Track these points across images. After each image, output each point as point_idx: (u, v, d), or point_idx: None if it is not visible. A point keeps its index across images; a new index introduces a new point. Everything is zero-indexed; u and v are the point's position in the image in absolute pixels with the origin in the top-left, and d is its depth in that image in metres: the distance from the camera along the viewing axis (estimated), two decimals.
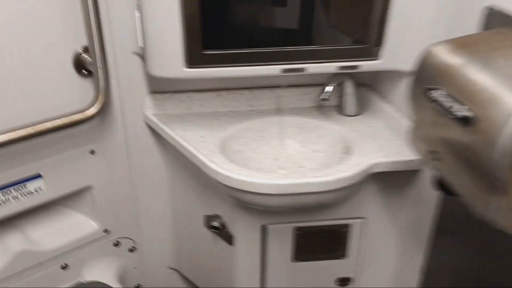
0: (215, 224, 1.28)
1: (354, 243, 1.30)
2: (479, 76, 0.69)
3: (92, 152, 1.27)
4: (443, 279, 1.14)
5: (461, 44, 0.78)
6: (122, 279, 1.49)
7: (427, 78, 0.78)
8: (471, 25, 0.89)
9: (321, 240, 1.28)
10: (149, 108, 1.30)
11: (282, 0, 1.12)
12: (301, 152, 1.30)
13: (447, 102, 0.73)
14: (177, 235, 1.50)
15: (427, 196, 1.12)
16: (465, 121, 0.69)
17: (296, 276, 1.34)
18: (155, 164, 1.39)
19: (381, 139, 1.20)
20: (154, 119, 1.28)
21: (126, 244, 1.47)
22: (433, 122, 0.78)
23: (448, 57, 0.75)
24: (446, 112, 0.73)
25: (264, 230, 1.25)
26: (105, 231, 1.40)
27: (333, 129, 1.28)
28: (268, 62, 1.12)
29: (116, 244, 1.45)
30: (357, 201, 1.23)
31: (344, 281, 1.36)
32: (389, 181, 1.20)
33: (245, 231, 1.25)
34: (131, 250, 1.50)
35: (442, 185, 0.84)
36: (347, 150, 1.21)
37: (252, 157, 1.27)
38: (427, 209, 1.14)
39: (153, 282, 1.61)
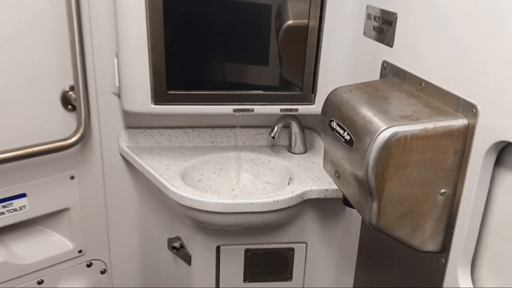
0: (176, 245, 1.45)
1: (298, 266, 1.46)
2: (360, 108, 0.91)
3: (72, 177, 1.47)
4: None
5: (357, 87, 1.00)
6: None
7: (329, 112, 0.99)
8: (374, 74, 1.12)
9: (269, 262, 1.45)
10: (124, 141, 1.51)
11: (235, 58, 1.37)
12: (254, 183, 1.50)
13: (339, 130, 0.94)
14: (144, 258, 1.66)
15: (354, 220, 1.31)
16: (349, 143, 0.90)
17: None
18: (128, 191, 1.58)
19: (318, 173, 1.40)
20: (127, 150, 1.49)
21: (98, 266, 1.63)
22: (333, 147, 0.99)
23: (344, 95, 0.97)
24: (339, 137, 0.94)
25: (218, 251, 1.42)
26: (80, 251, 1.56)
27: (281, 164, 1.49)
28: (222, 102, 1.34)
29: (89, 265, 1.61)
30: (299, 227, 1.41)
31: None
32: (325, 208, 1.38)
33: (201, 251, 1.42)
34: (102, 272, 1.65)
35: (346, 200, 1.03)
36: (289, 181, 1.40)
37: (210, 186, 1.47)
38: (354, 233, 1.31)
39: None
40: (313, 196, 1.31)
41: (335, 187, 1.30)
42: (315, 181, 1.35)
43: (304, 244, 1.44)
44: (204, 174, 1.47)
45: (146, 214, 1.58)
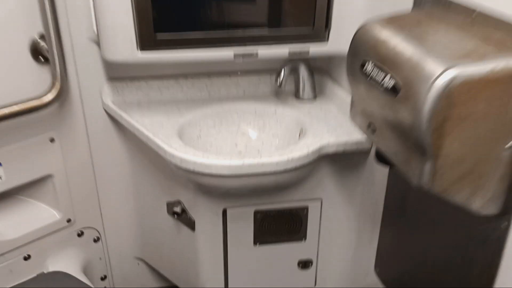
0: (177, 210, 1.30)
1: (313, 225, 1.33)
2: (404, 47, 0.73)
3: (52, 140, 1.28)
4: (393, 258, 1.18)
5: (391, 20, 0.82)
6: (87, 269, 1.49)
7: (360, 53, 0.81)
8: (404, 3, 0.93)
9: (281, 222, 1.31)
10: (108, 95, 1.32)
11: None
12: (259, 137, 1.33)
13: (377, 75, 0.77)
14: (141, 224, 1.51)
15: (378, 175, 1.16)
16: (392, 91, 0.73)
17: (259, 260, 1.36)
18: (117, 152, 1.40)
19: (333, 122, 1.24)
20: (113, 106, 1.30)
21: (90, 234, 1.48)
22: (367, 95, 0.82)
23: (378, 32, 0.79)
24: (376, 84, 0.77)
25: (225, 214, 1.27)
26: (68, 221, 1.41)
27: (289, 113, 1.32)
28: (220, 45, 1.14)
29: (80, 234, 1.46)
30: (314, 183, 1.26)
31: (306, 264, 1.39)
32: (343, 162, 1.23)
33: (206, 215, 1.27)
34: (96, 240, 1.50)
35: (381, 157, 0.88)
36: (301, 133, 1.24)
37: (211, 143, 1.30)
38: (378, 189, 1.17)
39: (120, 272, 1.62)
40: (331, 150, 1.15)
41: (355, 138, 1.15)
42: (332, 133, 1.18)
43: (319, 201, 1.30)
44: (202, 130, 1.30)
45: (140, 176, 1.42)
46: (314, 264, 1.40)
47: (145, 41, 1.11)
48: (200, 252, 1.33)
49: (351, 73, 0.86)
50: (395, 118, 0.75)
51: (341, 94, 1.31)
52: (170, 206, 1.34)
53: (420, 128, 0.69)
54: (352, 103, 0.91)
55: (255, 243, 1.33)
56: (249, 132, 1.34)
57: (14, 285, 1.29)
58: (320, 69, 1.40)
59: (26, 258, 1.36)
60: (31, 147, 1.25)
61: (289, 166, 1.09)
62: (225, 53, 1.15)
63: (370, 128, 0.85)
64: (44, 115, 1.22)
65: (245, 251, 1.34)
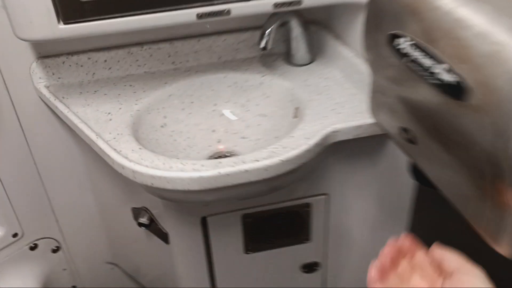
0: (143, 221, 1.02)
1: (318, 224, 1.05)
2: (471, 15, 0.41)
3: None
4: None
5: None
6: (49, 284, 1.24)
7: (388, 18, 0.49)
8: None
9: (277, 225, 1.04)
10: (40, 79, 1.00)
11: None
12: (243, 118, 1.02)
13: (425, 59, 0.45)
14: (107, 229, 1.23)
15: (404, 162, 0.87)
16: (453, 90, 0.42)
17: (252, 269, 1.10)
18: (64, 147, 1.10)
19: (339, 96, 0.92)
20: (47, 93, 0.98)
21: (46, 246, 1.21)
22: (401, 86, 0.50)
23: None
24: (420, 69, 0.45)
25: (204, 224, 0.99)
26: (15, 235, 1.13)
27: (280, 85, 1.00)
28: (177, 6, 0.81)
29: (33, 247, 1.19)
30: (317, 176, 0.97)
31: (311, 267, 1.13)
32: (355, 147, 0.93)
33: (180, 226, 0.99)
34: (55, 250, 1.24)
35: (420, 175, 0.58)
36: (297, 113, 0.93)
37: (181, 131, 0.99)
38: (404, 178, 0.88)
39: (93, 279, 1.36)
40: (339, 139, 0.85)
41: (371, 120, 0.84)
42: (339, 112, 0.87)
43: (324, 197, 1.01)
44: (168, 115, 0.98)
45: (96, 176, 1.12)
46: (321, 266, 1.14)
47: (69, 9, 0.77)
48: (179, 267, 1.07)
49: (372, 48, 0.54)
50: (455, 133, 0.44)
51: (346, 54, 0.98)
52: (135, 213, 1.06)
53: (506, 158, 0.39)
54: (373, 91, 0.60)
55: (246, 251, 1.06)
56: (228, 112, 1.02)
57: None
58: (317, 22, 1.06)
59: None
60: None
61: (283, 169, 0.79)
62: (184, 15, 0.82)
63: (406, 136, 0.55)
64: None
65: (234, 262, 1.08)
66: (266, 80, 1.01)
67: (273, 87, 1.01)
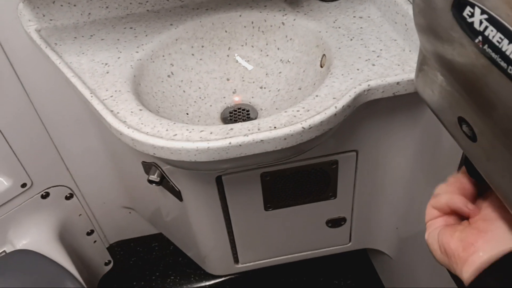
0: (153, 178, 0.93)
1: (345, 181, 0.95)
2: None
3: None
4: None
5: None
6: (65, 230, 1.21)
7: None
8: None
9: (300, 181, 0.94)
10: (29, 21, 0.87)
11: None
12: (262, 64, 0.89)
13: (501, 39, 0.31)
14: (120, 176, 1.16)
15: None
16: None
17: (273, 225, 1.03)
18: (66, 94, 1.00)
19: (375, 41, 0.77)
20: (37, 37, 0.86)
21: (58, 193, 1.16)
22: (463, 68, 0.37)
23: None
24: (500, 58, 0.32)
25: (220, 182, 0.90)
26: (23, 185, 1.08)
27: (305, 26, 0.85)
28: None
29: (45, 196, 1.14)
30: (345, 131, 0.85)
31: (337, 221, 1.05)
32: (390, 103, 0.80)
33: (193, 185, 0.91)
34: (68, 197, 1.19)
35: (476, 172, 0.45)
36: (325, 62, 0.79)
37: (191, 80, 0.87)
38: (445, 138, 0.76)
39: (110, 222, 1.33)
40: (374, 97, 0.72)
41: (412, 74, 0.70)
42: (374, 64, 0.73)
43: (354, 153, 0.90)
44: (175, 63, 0.86)
45: (102, 125, 1.03)
46: (347, 221, 1.05)
47: None
48: (195, 223, 1.00)
49: (426, 8, 0.40)
50: None
51: None
52: (146, 168, 0.97)
53: None
54: (420, 63, 0.46)
55: (266, 208, 0.98)
56: (245, 58, 0.89)
57: None
58: None
59: None
60: None
61: (306, 138, 0.67)
62: None
63: (463, 129, 0.42)
64: None
65: (254, 218, 1.00)
66: (288, 20, 0.86)
67: (296, 29, 0.86)
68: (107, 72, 0.79)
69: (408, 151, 0.88)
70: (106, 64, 0.80)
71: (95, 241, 1.31)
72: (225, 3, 0.90)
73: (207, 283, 1.34)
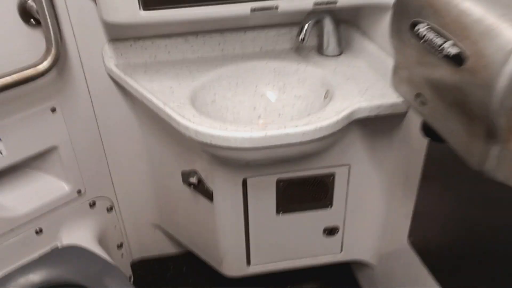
0: (193, 180, 1.20)
1: (339, 192, 1.23)
2: (473, 6, 0.59)
3: (53, 109, 1.17)
4: (431, 225, 1.08)
5: None
6: (103, 239, 1.43)
7: (410, 11, 0.67)
8: None
9: (305, 190, 1.22)
10: (110, 58, 1.19)
11: None
12: (280, 99, 1.21)
13: (435, 38, 0.63)
14: (156, 191, 1.42)
15: (416, 140, 1.05)
16: (456, 60, 0.60)
17: (282, 229, 1.28)
18: (125, 118, 1.29)
19: (364, 81, 1.11)
20: (116, 70, 1.17)
21: (103, 204, 1.41)
22: (418, 61, 0.69)
23: None
24: (434, 49, 0.63)
25: (245, 184, 1.18)
26: (79, 192, 1.32)
27: (313, 72, 1.18)
28: (233, 1, 1.00)
29: (92, 205, 1.38)
30: (341, 149, 1.15)
31: (332, 231, 1.31)
32: (374, 125, 1.11)
33: (224, 186, 1.18)
34: (109, 209, 1.43)
35: (429, 131, 0.76)
36: (328, 95, 1.11)
37: (227, 107, 1.18)
38: (415, 154, 1.06)
39: (137, 239, 1.56)
40: (362, 115, 1.03)
41: (390, 101, 1.02)
42: (363, 94, 1.06)
43: (347, 167, 1.19)
44: (217, 93, 1.17)
45: (151, 143, 1.31)
46: (340, 230, 1.32)
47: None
48: (219, 223, 1.25)
49: (396, 34, 0.72)
50: (456, 92, 0.62)
51: (371, 48, 1.16)
52: (185, 175, 1.24)
53: (491, 107, 0.57)
54: (395, 69, 0.78)
55: (277, 212, 1.24)
56: (268, 93, 1.21)
57: (28, 261, 1.23)
58: (347, 20, 1.25)
59: (38, 231, 1.29)
60: (30, 119, 1.14)
61: (317, 135, 0.97)
62: (241, 8, 1.01)
63: (419, 99, 0.73)
64: (42, 83, 1.11)
65: (267, 221, 1.26)
66: (301, 67, 1.20)
67: (307, 73, 1.19)
68: (173, 92, 1.09)
69: (385, 167, 1.18)
70: (171, 87, 1.11)
71: (122, 254, 1.53)
72: (255, 55, 1.24)
73: None
